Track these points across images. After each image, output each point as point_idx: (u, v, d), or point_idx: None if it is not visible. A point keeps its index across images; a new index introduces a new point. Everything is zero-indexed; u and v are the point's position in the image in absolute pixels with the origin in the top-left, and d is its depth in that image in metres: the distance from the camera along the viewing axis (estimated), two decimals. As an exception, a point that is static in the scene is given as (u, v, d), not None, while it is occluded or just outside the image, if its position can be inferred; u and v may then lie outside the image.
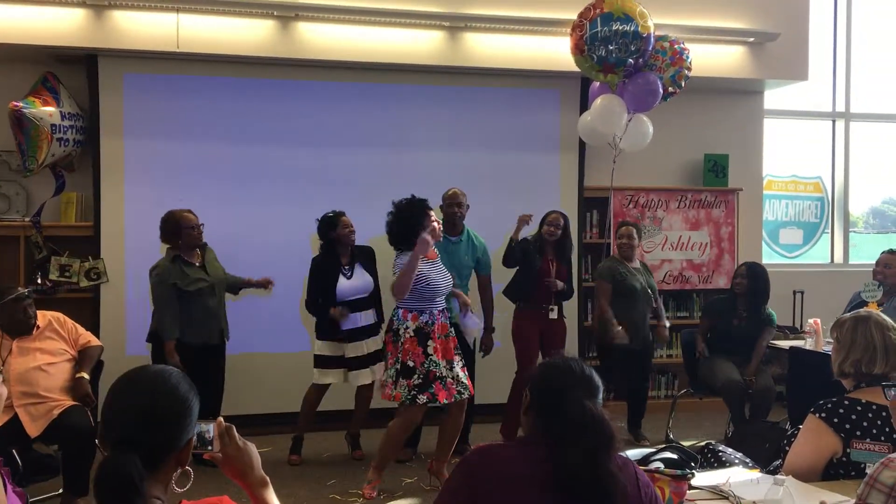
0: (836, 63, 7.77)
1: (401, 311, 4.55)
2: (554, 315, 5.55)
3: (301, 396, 5.37)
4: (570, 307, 6.37)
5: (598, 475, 1.77)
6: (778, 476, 2.17)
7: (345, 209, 5.41)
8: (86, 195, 5.92)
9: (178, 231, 5.02)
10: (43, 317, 4.35)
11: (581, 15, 5.55)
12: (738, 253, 7.02)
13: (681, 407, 6.27)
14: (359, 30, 5.94)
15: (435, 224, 4.56)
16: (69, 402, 4.21)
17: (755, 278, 5.62)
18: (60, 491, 4.27)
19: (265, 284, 5.35)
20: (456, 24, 6.06)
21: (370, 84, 6.24)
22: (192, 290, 4.98)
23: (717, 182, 7.01)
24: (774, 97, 7.45)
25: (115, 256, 5.86)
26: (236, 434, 1.76)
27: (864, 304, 5.29)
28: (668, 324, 5.96)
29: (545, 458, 1.80)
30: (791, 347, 5.35)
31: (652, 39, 5.61)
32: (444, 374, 4.49)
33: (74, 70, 5.82)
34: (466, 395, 4.60)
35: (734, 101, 7.18)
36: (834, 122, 7.80)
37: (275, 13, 5.76)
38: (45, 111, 5.49)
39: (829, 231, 7.83)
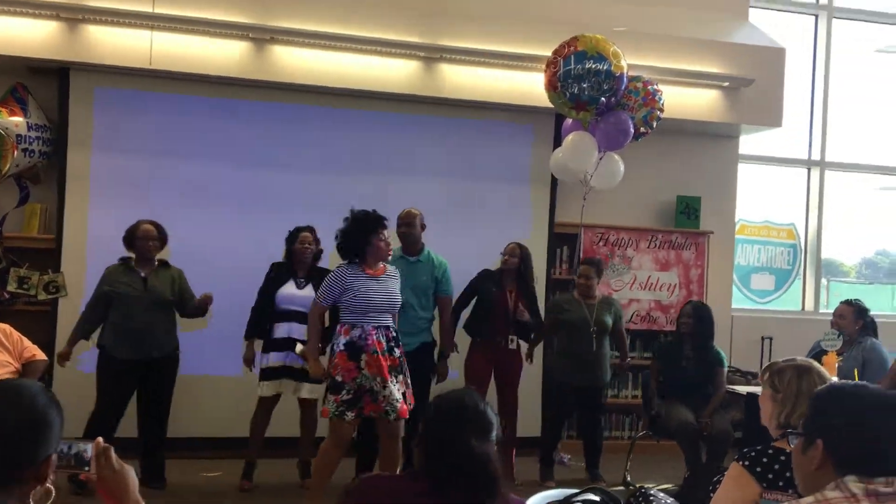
0: (812, 111, 7.84)
1: (338, 327, 4.55)
2: (513, 346, 5.54)
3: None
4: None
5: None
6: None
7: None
8: (49, 207, 5.88)
9: (133, 240, 5.05)
10: (-15, 327, 4.29)
11: (555, 52, 5.57)
12: (707, 296, 6.99)
13: (642, 449, 6.19)
14: (334, 55, 5.96)
15: (382, 244, 4.53)
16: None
17: (700, 318, 5.59)
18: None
19: (204, 302, 5.18)
20: (431, 54, 6.09)
21: (344, 109, 6.25)
22: (117, 291, 4.95)
23: (688, 224, 7.01)
24: (750, 142, 7.49)
25: (76, 271, 5.79)
26: (113, 455, 1.72)
27: (824, 353, 5.28)
28: (627, 362, 5.92)
29: (428, 493, 1.76)
30: (748, 393, 5.32)
31: (625, 79, 5.62)
32: (375, 390, 4.39)
33: (46, 82, 5.81)
34: (392, 417, 4.45)
35: (709, 144, 7.20)
36: (809, 170, 7.84)
37: (250, 35, 5.77)
38: (12, 121, 5.48)
39: (801, 278, 7.83)
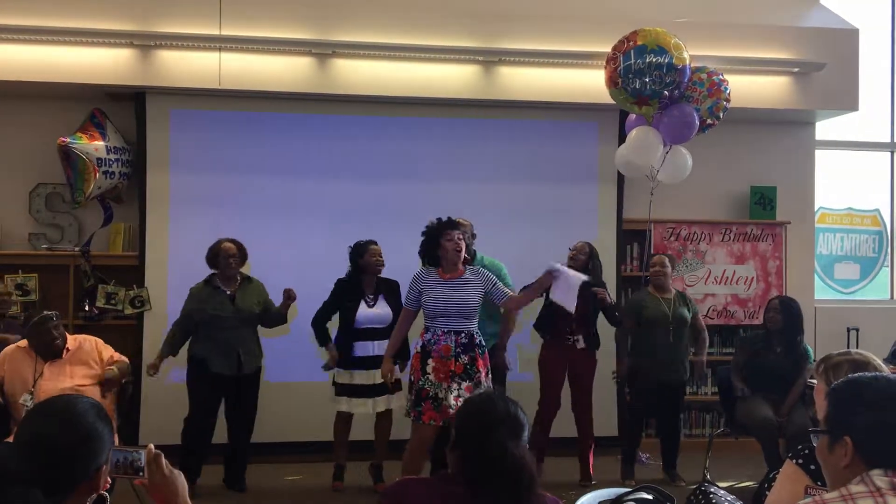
0: (894, 92, 7.51)
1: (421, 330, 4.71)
2: (581, 345, 5.50)
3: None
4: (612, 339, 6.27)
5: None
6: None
7: (380, 241, 5.48)
8: (133, 226, 6.16)
9: (216, 259, 5.26)
10: (74, 340, 4.53)
11: (615, 48, 5.54)
12: (787, 288, 6.80)
13: (722, 447, 6.08)
14: (394, 65, 6.06)
15: (449, 244, 4.63)
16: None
17: (789, 313, 5.45)
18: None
19: (288, 299, 5.31)
20: (490, 58, 6.11)
21: (407, 118, 6.34)
22: (206, 312, 5.15)
23: (764, 215, 6.82)
24: (828, 127, 7.24)
25: (159, 285, 6.05)
26: (164, 462, 1.82)
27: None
28: (705, 358, 5.80)
29: (464, 496, 1.80)
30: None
31: (688, 71, 5.54)
32: (440, 396, 4.46)
33: (123, 106, 6.10)
34: None
35: (782, 132, 6.99)
36: (893, 153, 7.52)
37: (312, 50, 5.93)
38: (92, 146, 5.78)
39: (889, 266, 7.52)
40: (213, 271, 5.33)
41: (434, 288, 4.60)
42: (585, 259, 5.56)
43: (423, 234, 4.78)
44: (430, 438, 4.58)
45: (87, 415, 1.68)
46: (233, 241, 5.34)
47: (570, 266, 5.49)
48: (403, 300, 4.86)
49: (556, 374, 5.53)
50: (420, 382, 4.51)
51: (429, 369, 4.50)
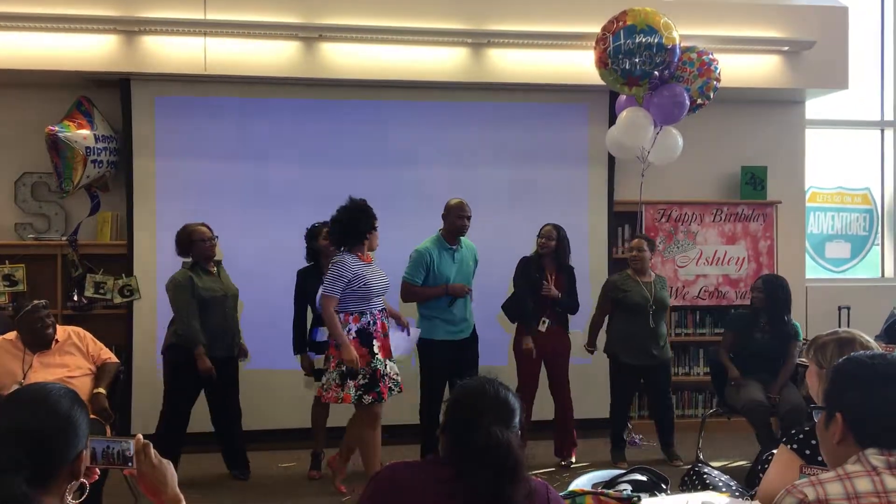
0: (883, 69, 7.50)
1: (342, 316, 4.62)
2: (543, 328, 5.50)
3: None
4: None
5: (499, 502, 1.74)
6: (706, 500, 2.09)
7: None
8: (120, 214, 6.10)
9: (191, 243, 5.13)
10: (63, 331, 4.49)
11: (604, 28, 5.51)
12: (778, 267, 6.80)
13: (716, 427, 6.10)
14: (382, 48, 6.00)
15: (377, 234, 4.76)
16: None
17: (773, 289, 5.44)
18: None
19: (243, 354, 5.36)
20: (479, 40, 6.06)
21: (395, 102, 6.29)
22: (208, 297, 5.05)
23: (755, 195, 6.82)
24: (817, 106, 7.22)
25: (148, 274, 6.00)
26: (152, 452, 1.80)
27: (901, 320, 5.08)
28: None
29: (451, 480, 1.79)
30: (822, 366, 5.14)
31: (678, 51, 5.52)
32: (385, 372, 4.64)
33: (108, 93, 6.02)
34: (397, 392, 4.75)
35: (773, 111, 6.98)
36: (882, 130, 7.52)
37: (299, 34, 5.86)
38: (80, 134, 5.71)
39: (880, 244, 7.53)
40: (184, 259, 5.18)
41: (365, 272, 4.64)
42: (555, 244, 5.54)
43: (356, 209, 4.68)
44: (379, 414, 4.72)
45: (61, 402, 1.67)
46: (202, 224, 5.23)
47: (539, 253, 5.55)
48: (328, 289, 4.62)
49: (531, 357, 5.50)
50: (372, 364, 4.59)
51: (376, 349, 4.62)
